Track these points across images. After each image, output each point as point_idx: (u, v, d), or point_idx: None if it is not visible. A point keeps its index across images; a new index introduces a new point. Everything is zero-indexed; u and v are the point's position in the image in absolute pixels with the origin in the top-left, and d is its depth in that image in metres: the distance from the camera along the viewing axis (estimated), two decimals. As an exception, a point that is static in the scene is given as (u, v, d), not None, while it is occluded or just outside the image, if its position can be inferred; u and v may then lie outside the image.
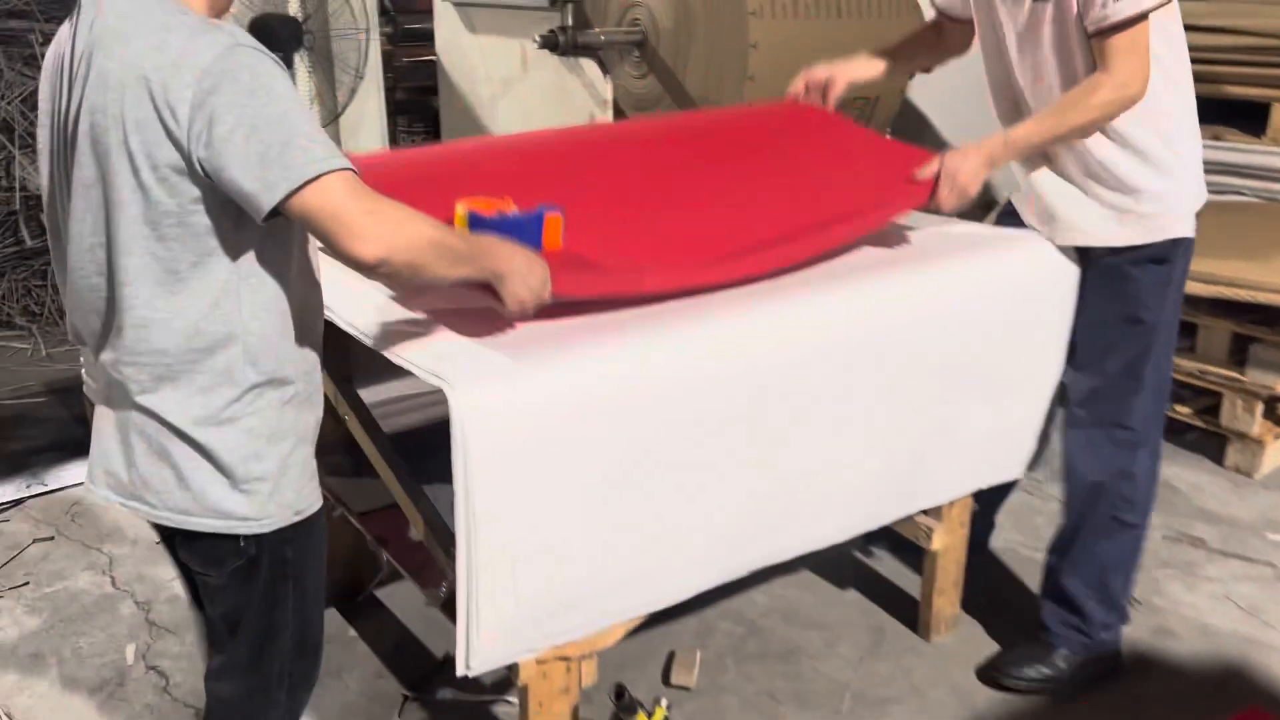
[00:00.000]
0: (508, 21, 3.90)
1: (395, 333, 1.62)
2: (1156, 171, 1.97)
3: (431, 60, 4.51)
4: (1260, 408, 2.97)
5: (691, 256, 1.79)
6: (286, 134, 1.22)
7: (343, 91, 4.11)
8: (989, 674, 2.20)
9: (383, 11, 4.77)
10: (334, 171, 1.23)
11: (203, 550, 1.42)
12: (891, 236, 2.06)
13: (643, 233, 1.88)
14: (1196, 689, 2.18)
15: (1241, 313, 3.00)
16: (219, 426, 1.35)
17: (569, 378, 1.52)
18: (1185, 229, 2.01)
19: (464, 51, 4.20)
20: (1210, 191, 2.10)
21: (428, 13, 4.44)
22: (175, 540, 1.45)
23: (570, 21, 3.57)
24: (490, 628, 1.53)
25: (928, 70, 2.47)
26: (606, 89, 3.56)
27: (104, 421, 1.44)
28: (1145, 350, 2.03)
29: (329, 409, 1.80)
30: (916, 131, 4.46)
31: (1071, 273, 2.06)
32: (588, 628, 1.65)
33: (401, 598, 2.47)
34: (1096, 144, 1.96)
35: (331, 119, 4.09)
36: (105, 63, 1.26)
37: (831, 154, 2.22)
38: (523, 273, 1.47)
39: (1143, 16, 1.82)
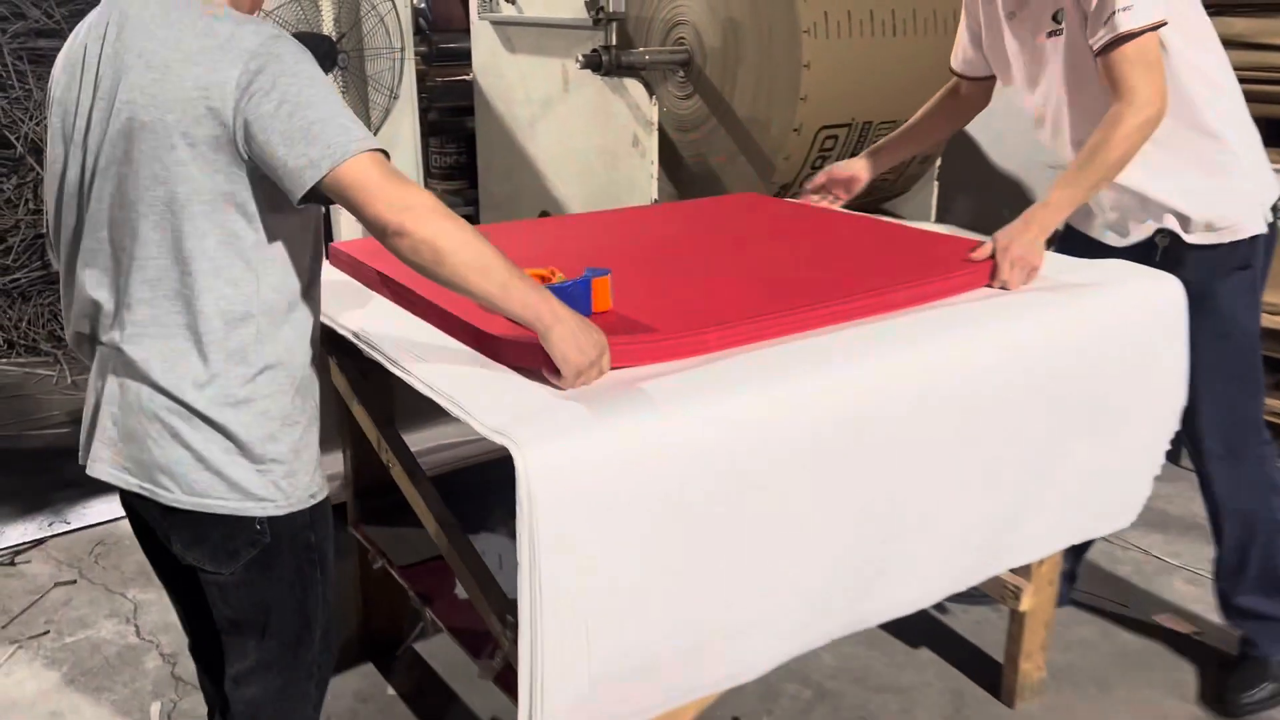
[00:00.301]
0: (548, 41, 3.78)
1: (447, 375, 1.47)
2: (1215, 173, 1.99)
3: (467, 80, 4.40)
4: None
5: (753, 315, 1.63)
6: (328, 113, 1.26)
7: (376, 112, 4.00)
8: (1220, 709, 2.15)
9: (418, 31, 4.66)
10: (372, 151, 1.27)
11: (214, 543, 1.38)
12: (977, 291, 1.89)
13: (690, 297, 1.74)
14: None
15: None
16: (235, 407, 1.33)
17: (646, 432, 1.37)
18: (1258, 225, 2.01)
19: (502, 71, 4.08)
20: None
21: (464, 32, 4.33)
22: (175, 543, 1.40)
23: (614, 40, 3.43)
24: (558, 707, 1.37)
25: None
26: (652, 110, 3.42)
27: (107, 410, 1.38)
28: (1246, 359, 2.05)
29: (370, 451, 1.66)
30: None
31: (1182, 298, 1.90)
32: (665, 704, 1.49)
33: (443, 653, 2.32)
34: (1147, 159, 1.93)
35: (366, 140, 3.97)
36: (146, 44, 1.29)
37: (876, 240, 2.11)
38: (574, 330, 1.39)
39: (1150, 29, 1.84)
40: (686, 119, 3.74)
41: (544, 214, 4.01)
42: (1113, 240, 2.13)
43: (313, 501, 1.42)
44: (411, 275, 1.37)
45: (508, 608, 1.61)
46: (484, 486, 2.30)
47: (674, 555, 1.40)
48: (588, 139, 3.71)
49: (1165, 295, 1.92)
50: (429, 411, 1.49)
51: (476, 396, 1.41)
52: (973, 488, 1.71)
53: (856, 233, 2.16)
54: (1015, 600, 2.04)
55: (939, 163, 3.96)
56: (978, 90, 2.32)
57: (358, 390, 1.95)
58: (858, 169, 2.40)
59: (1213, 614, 2.44)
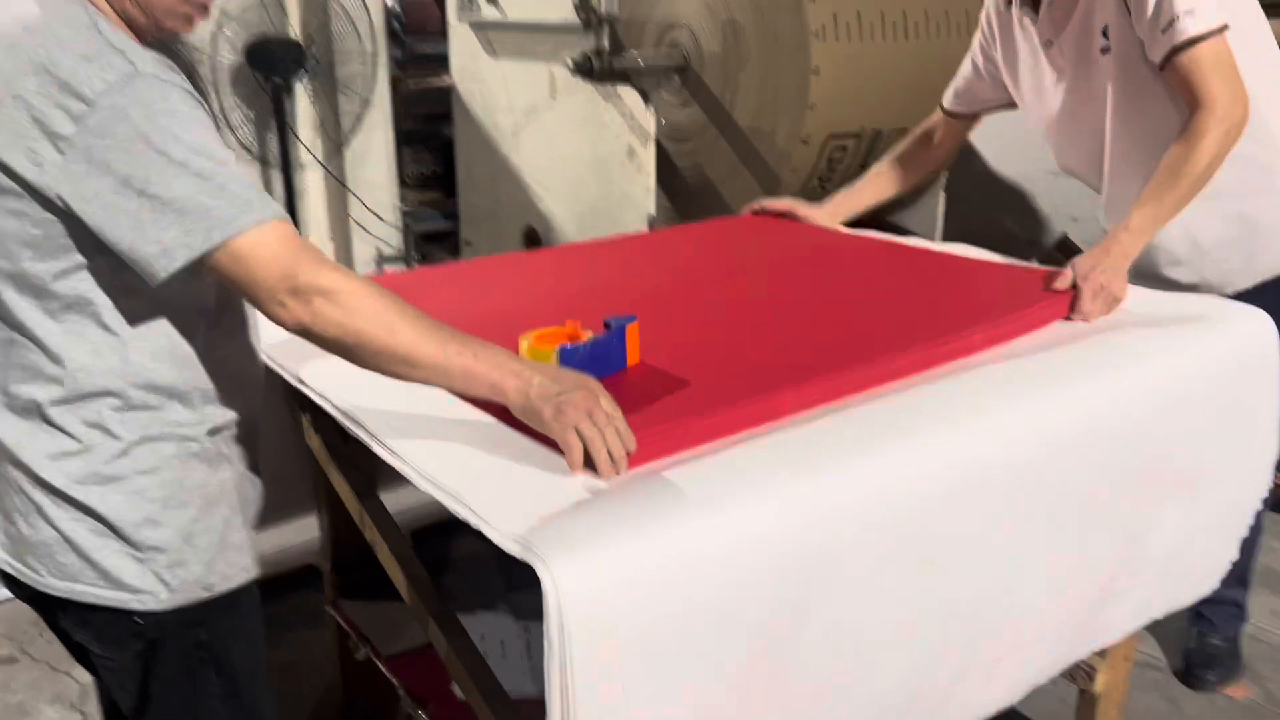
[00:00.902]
0: (533, 44, 3.52)
1: (445, 456, 1.21)
2: (1267, 186, 1.90)
3: (443, 86, 4.13)
4: None
5: (809, 370, 1.38)
6: (189, 185, 1.07)
7: (347, 120, 3.73)
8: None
9: (391, 34, 4.38)
10: (256, 228, 1.09)
11: (97, 627, 1.23)
12: (1043, 336, 1.64)
13: (728, 346, 1.49)
14: None
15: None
16: (102, 485, 1.17)
17: (697, 530, 1.11)
18: None
19: (483, 77, 3.81)
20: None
21: (441, 35, 4.06)
22: (64, 617, 1.25)
23: (605, 44, 3.18)
24: None
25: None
26: (649, 120, 3.17)
27: None
28: None
29: (350, 518, 1.40)
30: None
31: (1275, 337, 1.67)
32: None
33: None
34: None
35: (335, 150, 3.70)
36: None
37: (927, 271, 1.86)
38: (548, 390, 1.14)
39: (1216, 33, 1.71)
40: (682, 128, 3.49)
41: (529, 229, 3.75)
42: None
43: (205, 595, 1.24)
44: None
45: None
46: (474, 545, 2.04)
47: (733, 682, 1.14)
48: (577, 149, 3.45)
49: (1259, 335, 1.69)
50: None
51: (485, 488, 1.15)
52: (1064, 571, 1.46)
53: (903, 263, 1.92)
54: (1088, 680, 1.80)
55: (946, 174, 3.74)
56: (955, 132, 2.24)
57: (335, 455, 1.68)
58: (819, 219, 2.22)
59: (1271, 676, 2.23)
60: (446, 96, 4.10)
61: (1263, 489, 1.75)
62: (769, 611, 1.15)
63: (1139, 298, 1.74)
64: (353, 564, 1.89)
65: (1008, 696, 1.49)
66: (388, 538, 1.57)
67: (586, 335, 1.35)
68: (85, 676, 2.22)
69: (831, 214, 2.23)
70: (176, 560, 1.21)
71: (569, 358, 1.30)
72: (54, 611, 1.25)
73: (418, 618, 1.53)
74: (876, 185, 2.28)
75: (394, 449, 1.24)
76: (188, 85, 1.13)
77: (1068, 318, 1.66)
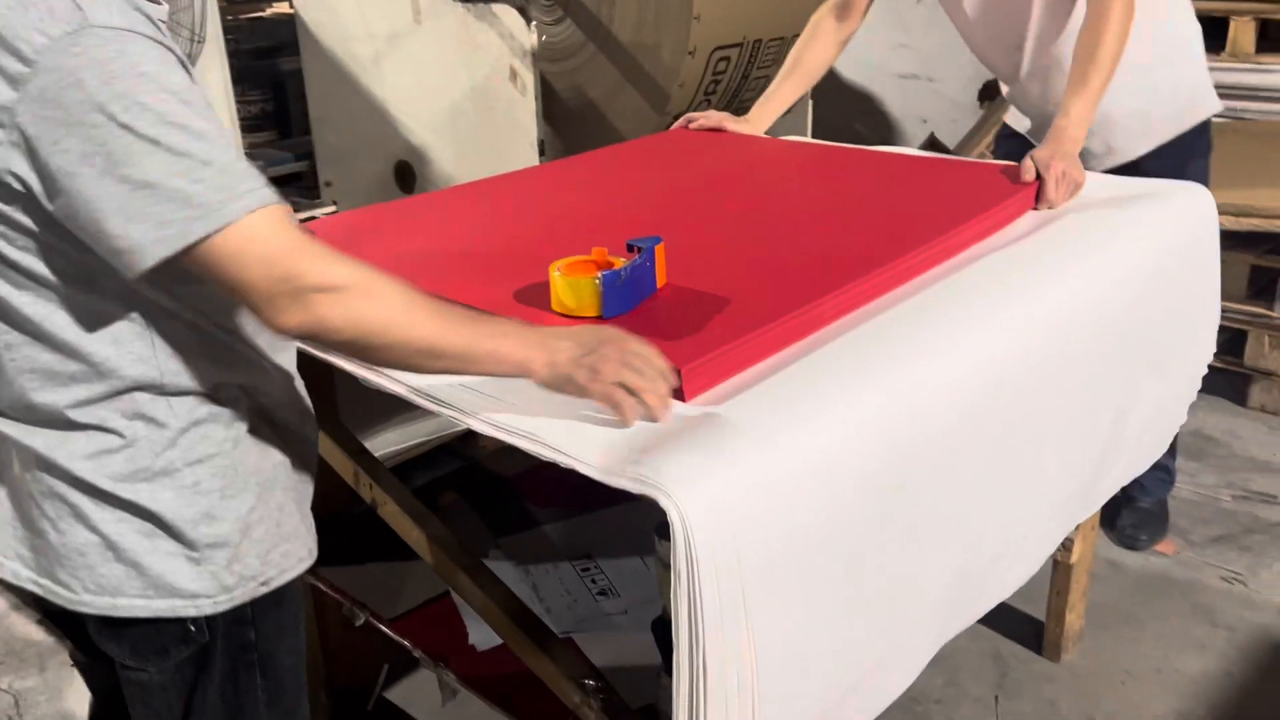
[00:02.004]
0: (389, -35, 3.30)
1: (502, 404, 1.13)
2: (1169, 55, 2.03)
3: (276, 17, 3.84)
4: (1289, 345, 2.81)
5: (828, 276, 1.36)
6: (162, 166, 0.89)
7: (184, 60, 3.40)
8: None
9: (217, -38, 4.03)
10: (245, 217, 0.92)
11: (136, 638, 1.08)
12: (1021, 225, 1.68)
13: (738, 262, 1.44)
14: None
15: (1255, 244, 2.83)
16: (150, 481, 1.03)
17: (795, 442, 1.08)
18: (1215, 103, 2.11)
19: (332, 5, 3.55)
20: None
21: (275, -40, 3.77)
22: (90, 626, 1.10)
23: (475, -41, 3.02)
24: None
25: None
26: (529, 39, 3.04)
27: None
28: None
29: (322, 480, 1.30)
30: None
31: (1214, 209, 1.77)
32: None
33: (419, 696, 1.97)
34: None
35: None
36: None
37: (883, 175, 1.86)
38: (574, 353, 1.06)
39: None
40: (557, 47, 3.37)
41: (402, 164, 3.56)
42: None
43: (262, 590, 1.11)
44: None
45: (584, 672, 1.31)
46: (446, 498, 1.96)
47: (836, 583, 1.13)
48: (451, 76, 3.27)
49: (1202, 208, 1.78)
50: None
51: (567, 432, 1.08)
52: (1074, 448, 1.52)
53: (866, 167, 1.90)
54: (1066, 552, 1.89)
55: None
56: (850, 25, 2.19)
57: (320, 413, 1.56)
58: (755, 126, 2.18)
59: (1194, 525, 2.41)
60: (277, 28, 3.82)
61: (1209, 356, 1.86)
62: (863, 515, 1.14)
63: (1092, 183, 1.80)
64: (328, 528, 1.77)
65: (1029, 573, 1.54)
66: (394, 495, 1.48)
67: (619, 261, 1.28)
68: (21, 683, 2.02)
69: (757, 125, 2.21)
70: (235, 555, 1.07)
71: (612, 282, 1.24)
72: (79, 624, 1.11)
73: (442, 573, 1.45)
74: (789, 88, 2.24)
75: (450, 404, 1.15)
76: (155, 32, 0.92)
77: (1035, 207, 1.70)
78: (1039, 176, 1.70)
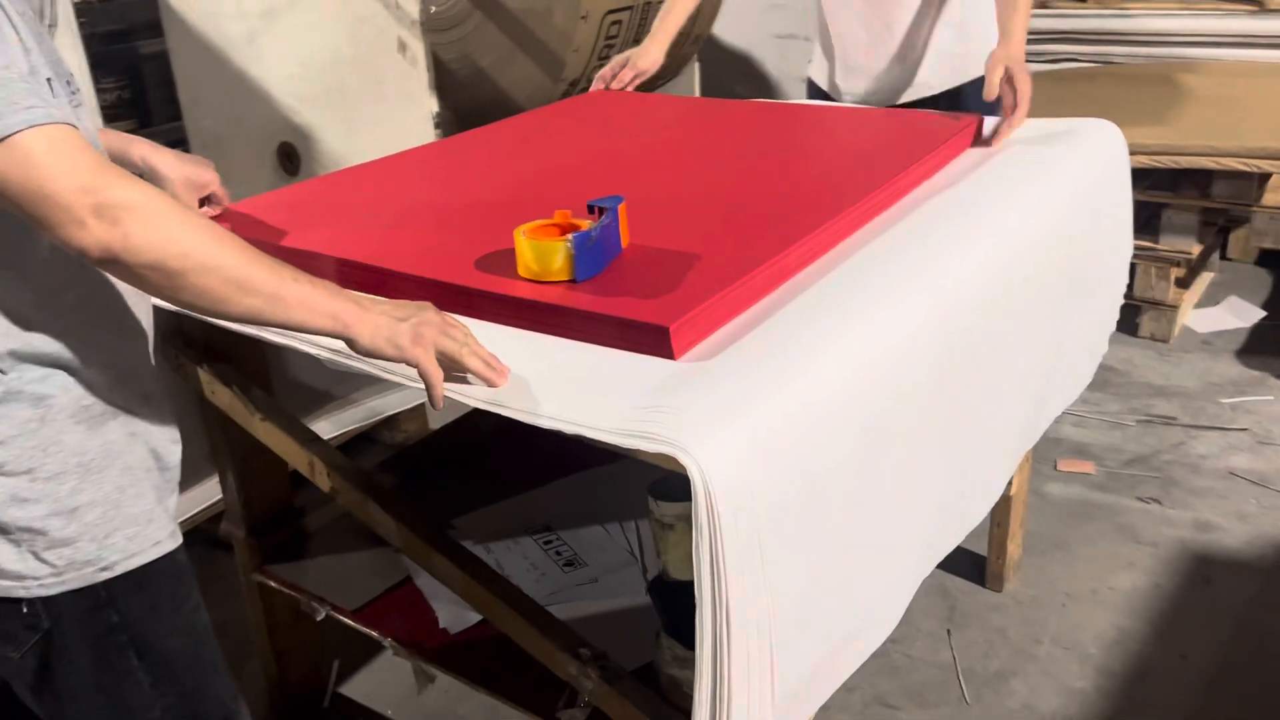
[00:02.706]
0: (258, -64, 3.15)
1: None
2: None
3: (130, -1, 3.62)
4: (1176, 274, 2.96)
5: (787, 227, 1.36)
6: None
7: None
8: None
9: (64, -61, 3.77)
10: (33, 128, 0.88)
11: None
12: (961, 164, 1.71)
13: (695, 220, 1.43)
14: (1277, 585, 2.10)
15: (1137, 180, 2.96)
16: None
17: (797, 391, 1.07)
18: None
19: (198, -20, 3.37)
20: (1044, 60, 2.21)
21: (130, -65, 3.55)
22: None
23: (350, -71, 2.91)
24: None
25: None
26: (415, 7, 2.95)
27: None
28: None
29: (263, 478, 1.24)
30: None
31: (1122, 142, 1.85)
32: (827, 692, 1.25)
33: (374, 688, 1.92)
34: None
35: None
36: None
37: (814, 127, 1.87)
38: (389, 316, 1.05)
39: None
40: (443, 17, 3.28)
41: (285, 146, 3.42)
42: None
43: (103, 576, 1.06)
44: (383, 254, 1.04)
45: (577, 642, 1.29)
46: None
47: (841, 524, 1.14)
48: (334, 51, 3.15)
49: (1113, 143, 1.85)
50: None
51: (562, 398, 1.05)
52: (1029, 375, 1.57)
53: (791, 123, 1.91)
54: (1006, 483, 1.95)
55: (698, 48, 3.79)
56: None
57: (258, 405, 1.49)
58: (655, 56, 2.18)
59: (1106, 451, 2.53)
60: (130, 10, 3.61)
61: (1124, 285, 1.94)
62: (857, 458, 1.15)
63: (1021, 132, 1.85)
64: (270, 526, 1.70)
65: (990, 505, 1.59)
66: (356, 481, 1.42)
67: (584, 223, 1.25)
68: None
69: (660, 47, 2.20)
70: (60, 540, 1.03)
71: (582, 243, 1.20)
72: None
73: (415, 556, 1.41)
74: (681, 6, 2.24)
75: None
76: None
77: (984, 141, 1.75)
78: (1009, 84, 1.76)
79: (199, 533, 1.78)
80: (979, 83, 1.92)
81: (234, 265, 0.96)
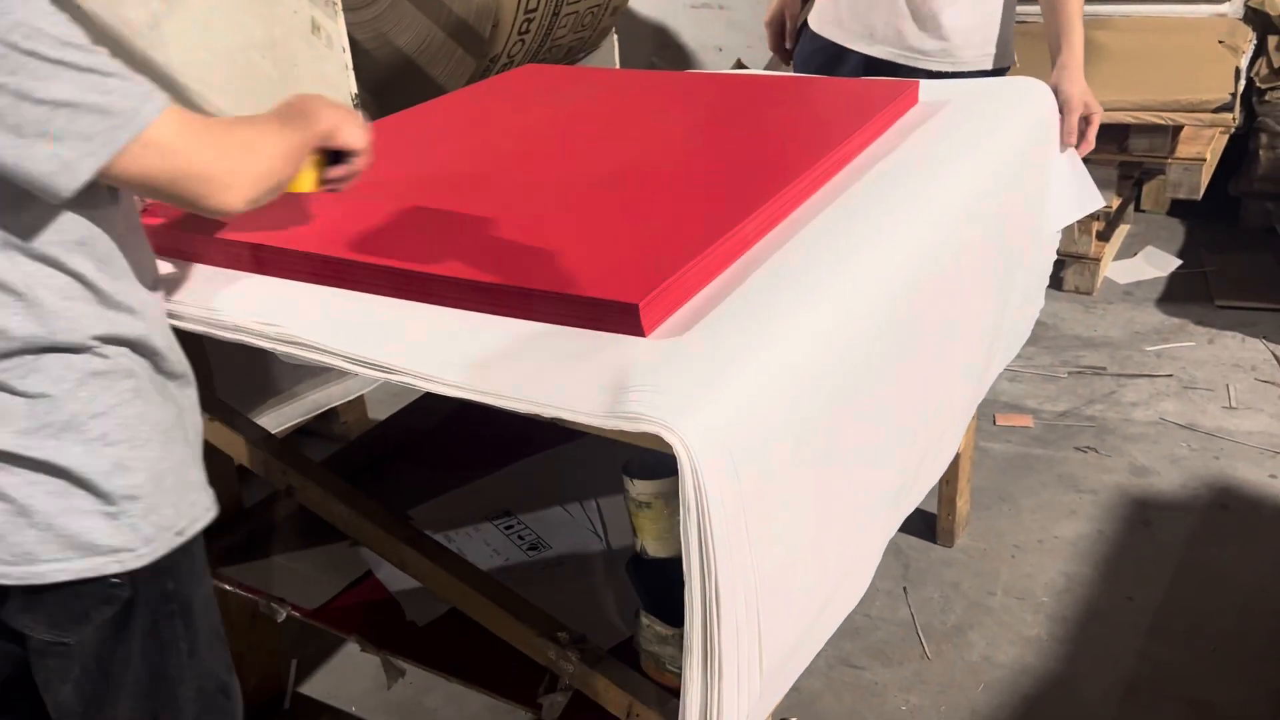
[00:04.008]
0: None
1: (456, 364, 1.07)
2: None
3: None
4: (1096, 228, 3.03)
5: (740, 201, 1.35)
6: (73, 84, 0.92)
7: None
8: None
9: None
10: (163, 114, 0.97)
11: (55, 606, 1.06)
12: (904, 130, 1.72)
13: (650, 195, 1.41)
14: (1213, 522, 2.18)
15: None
16: (56, 437, 1.01)
17: (767, 360, 1.07)
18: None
19: (93, -35, 3.22)
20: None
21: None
22: (9, 604, 1.08)
23: (256, -93, 2.80)
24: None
25: None
26: (329, -14, 2.85)
27: None
28: None
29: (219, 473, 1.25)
30: None
31: (1053, 101, 1.88)
32: (808, 658, 1.26)
33: (336, 682, 1.88)
34: None
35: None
36: None
37: (757, 97, 1.85)
38: (343, 115, 1.21)
39: None
40: (361, -8, 3.19)
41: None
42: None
43: (178, 541, 1.11)
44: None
45: (555, 626, 1.28)
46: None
47: (812, 494, 1.14)
48: (243, 34, 3.03)
49: (1045, 102, 1.88)
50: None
51: (534, 382, 1.03)
52: (976, 331, 1.59)
53: (729, 93, 1.90)
54: (954, 442, 1.99)
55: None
56: None
57: (211, 407, 1.44)
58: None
59: (1042, 403, 2.59)
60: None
61: (1056, 242, 1.98)
62: (827, 424, 1.15)
63: (950, 85, 1.87)
64: (220, 527, 1.64)
65: (947, 462, 1.62)
66: (314, 477, 1.39)
67: None
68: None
69: None
70: (151, 506, 1.07)
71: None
72: None
73: (381, 549, 1.38)
74: None
75: (391, 366, 1.07)
76: None
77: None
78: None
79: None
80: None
81: (281, 140, 1.11)
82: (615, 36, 3.96)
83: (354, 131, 1.21)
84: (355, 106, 2.95)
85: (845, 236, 1.31)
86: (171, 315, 1.20)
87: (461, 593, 1.30)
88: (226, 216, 1.16)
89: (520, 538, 1.65)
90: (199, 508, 1.15)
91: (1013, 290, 1.76)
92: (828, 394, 1.15)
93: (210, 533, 1.63)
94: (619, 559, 1.58)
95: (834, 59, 2.20)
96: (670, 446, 0.94)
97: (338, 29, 2.89)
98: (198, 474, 1.15)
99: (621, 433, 0.97)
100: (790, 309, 1.15)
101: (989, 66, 2.18)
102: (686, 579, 0.99)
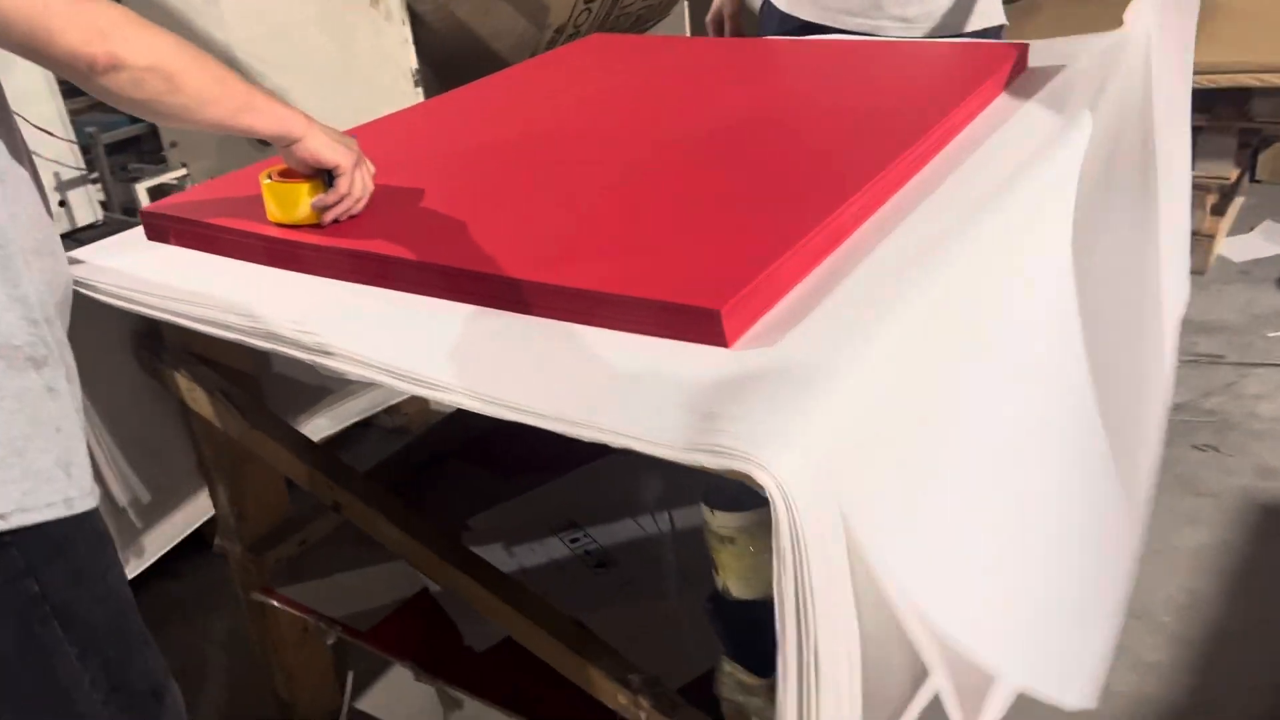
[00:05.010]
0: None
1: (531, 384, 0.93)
2: None
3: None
4: (1211, 201, 2.79)
5: (838, 185, 1.19)
6: None
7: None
8: None
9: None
10: None
11: None
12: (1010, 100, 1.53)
13: (731, 178, 1.25)
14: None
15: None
16: None
17: (879, 371, 0.91)
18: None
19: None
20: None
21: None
22: None
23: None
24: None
25: None
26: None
27: None
28: None
29: (260, 489, 1.11)
30: None
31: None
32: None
33: (395, 698, 1.78)
34: None
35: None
36: None
37: (840, 64, 1.68)
38: (328, 131, 1.17)
39: None
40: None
41: (257, 114, 3.21)
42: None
43: (4, 525, 0.93)
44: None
45: (625, 667, 1.14)
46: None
47: (939, 540, 0.98)
48: (300, 9, 2.94)
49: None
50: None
51: (608, 407, 0.89)
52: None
53: (812, 62, 1.73)
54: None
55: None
56: None
57: (246, 412, 1.32)
58: None
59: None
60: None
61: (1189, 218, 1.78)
62: (972, 446, 0.99)
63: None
64: (270, 541, 1.54)
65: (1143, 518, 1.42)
66: (362, 494, 1.26)
67: None
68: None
69: None
70: None
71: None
72: None
73: (432, 574, 1.25)
74: None
75: (449, 387, 0.93)
76: None
77: None
78: None
79: (201, 536, 1.61)
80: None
81: (214, 64, 1.04)
82: (686, 2, 3.79)
83: (327, 145, 1.15)
84: (415, 83, 2.83)
85: (951, 233, 1.13)
86: (187, 315, 1.09)
87: (523, 627, 1.17)
88: (88, 63, 0.96)
89: (587, 553, 1.52)
90: (36, 498, 0.96)
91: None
92: (963, 420, 0.98)
93: (258, 546, 1.54)
94: (693, 579, 1.44)
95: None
96: (762, 486, 0.79)
97: (396, 1, 2.78)
98: (49, 459, 0.98)
99: (704, 467, 0.82)
100: (903, 312, 0.99)
101: (980, 27, 1.96)
102: (780, 639, 0.84)
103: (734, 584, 1.05)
